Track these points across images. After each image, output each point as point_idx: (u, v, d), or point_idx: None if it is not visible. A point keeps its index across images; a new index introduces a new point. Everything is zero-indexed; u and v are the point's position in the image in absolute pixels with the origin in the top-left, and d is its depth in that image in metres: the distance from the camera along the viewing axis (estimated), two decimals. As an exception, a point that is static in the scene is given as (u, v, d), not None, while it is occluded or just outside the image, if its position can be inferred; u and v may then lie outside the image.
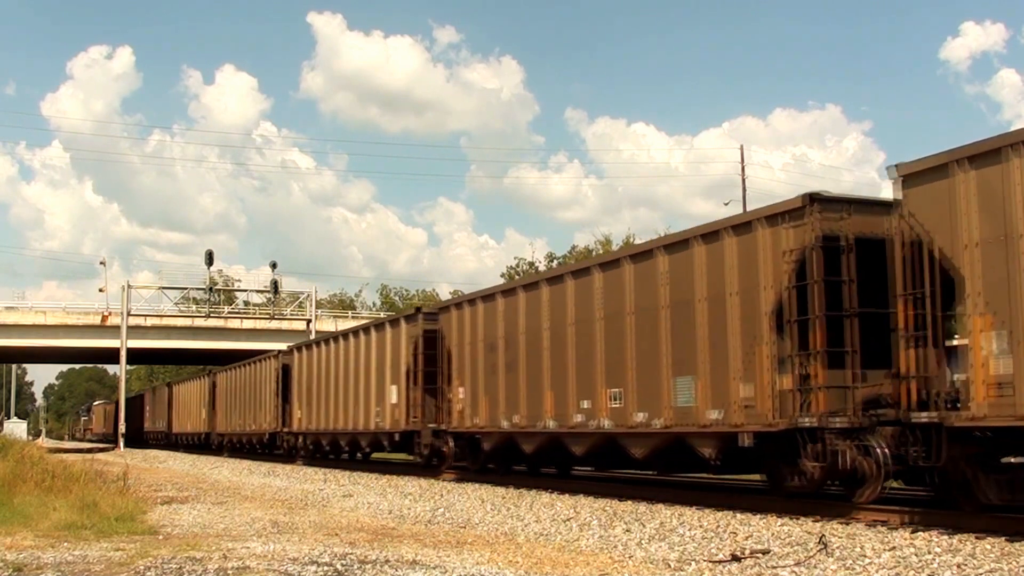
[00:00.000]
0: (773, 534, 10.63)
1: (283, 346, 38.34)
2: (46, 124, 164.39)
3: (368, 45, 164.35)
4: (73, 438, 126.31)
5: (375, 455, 29.84)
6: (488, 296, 20.06)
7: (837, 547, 9.52)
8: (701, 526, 11.56)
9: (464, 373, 20.53)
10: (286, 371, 33.92)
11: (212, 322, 57.40)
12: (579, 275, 16.76)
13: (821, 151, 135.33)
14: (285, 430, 33.62)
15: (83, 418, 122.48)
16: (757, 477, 15.39)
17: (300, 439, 32.46)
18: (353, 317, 64.34)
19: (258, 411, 36.84)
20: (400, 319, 24.50)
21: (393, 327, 24.57)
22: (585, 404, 16.29)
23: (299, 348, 33.27)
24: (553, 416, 17.15)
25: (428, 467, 22.70)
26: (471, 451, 21.03)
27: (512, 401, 18.50)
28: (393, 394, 24.00)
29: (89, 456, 36.38)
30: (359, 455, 29.80)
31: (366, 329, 26.67)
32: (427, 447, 22.25)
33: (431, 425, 22.15)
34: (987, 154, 10.28)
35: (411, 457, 24.87)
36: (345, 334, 28.61)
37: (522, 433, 18.26)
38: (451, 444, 21.43)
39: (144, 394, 68.02)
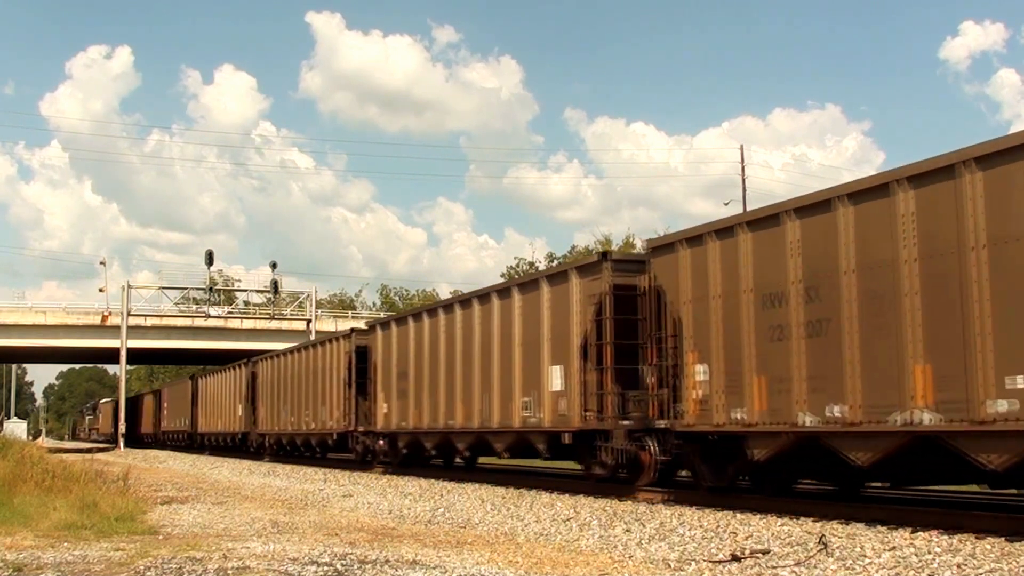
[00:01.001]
0: (773, 534, 10.63)
1: (282, 346, 38.33)
2: (45, 124, 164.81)
3: (367, 45, 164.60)
4: (76, 438, 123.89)
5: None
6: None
7: (837, 547, 9.52)
8: (701, 526, 11.56)
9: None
10: (361, 355, 27.09)
11: (212, 322, 57.43)
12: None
13: (821, 151, 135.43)
14: (360, 429, 26.66)
15: (88, 417, 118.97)
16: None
17: (381, 440, 25.04)
18: (353, 317, 64.35)
19: (320, 405, 29.84)
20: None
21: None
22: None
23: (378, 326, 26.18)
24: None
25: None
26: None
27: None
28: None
29: (89, 456, 36.39)
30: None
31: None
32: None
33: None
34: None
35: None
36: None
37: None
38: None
39: (162, 390, 62.62)
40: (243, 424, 38.44)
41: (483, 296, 20.19)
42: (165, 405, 58.60)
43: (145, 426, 66.91)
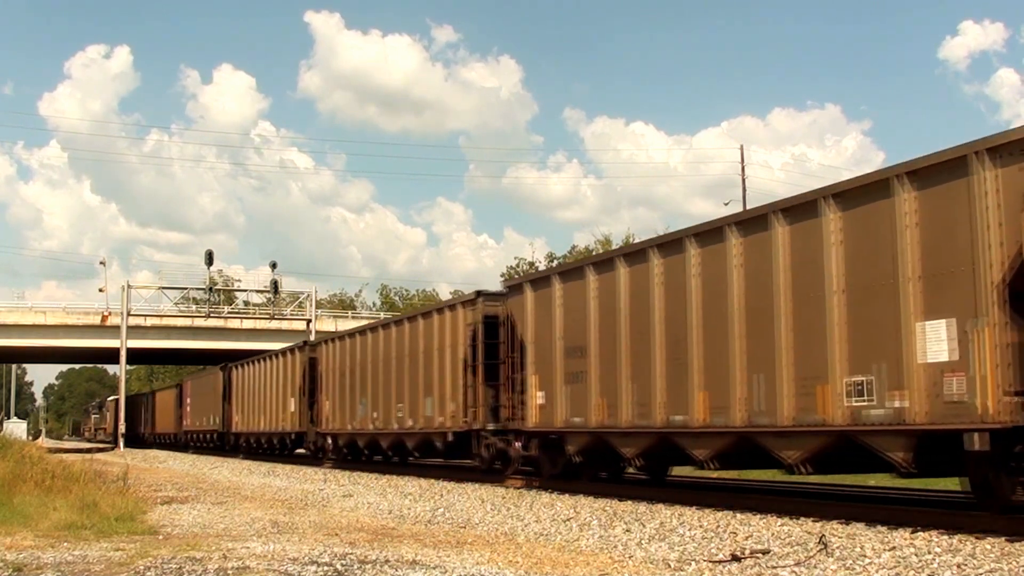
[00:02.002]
0: (773, 534, 10.63)
1: (280, 346, 38.20)
2: (44, 124, 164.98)
3: (366, 44, 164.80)
4: (82, 437, 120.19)
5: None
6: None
7: (837, 547, 9.52)
8: (701, 526, 11.56)
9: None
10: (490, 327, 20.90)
11: (212, 322, 57.44)
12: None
13: (820, 150, 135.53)
14: (490, 426, 20.15)
15: (94, 416, 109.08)
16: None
17: (524, 441, 18.91)
18: (353, 317, 64.37)
19: (424, 397, 22.88)
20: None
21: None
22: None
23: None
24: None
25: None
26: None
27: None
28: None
29: (89, 456, 36.39)
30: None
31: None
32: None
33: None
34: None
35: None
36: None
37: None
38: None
39: (184, 384, 54.96)
40: (297, 422, 31.87)
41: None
42: (188, 401, 51.62)
43: (163, 425, 61.23)
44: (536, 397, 17.67)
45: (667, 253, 14.54)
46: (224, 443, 43.37)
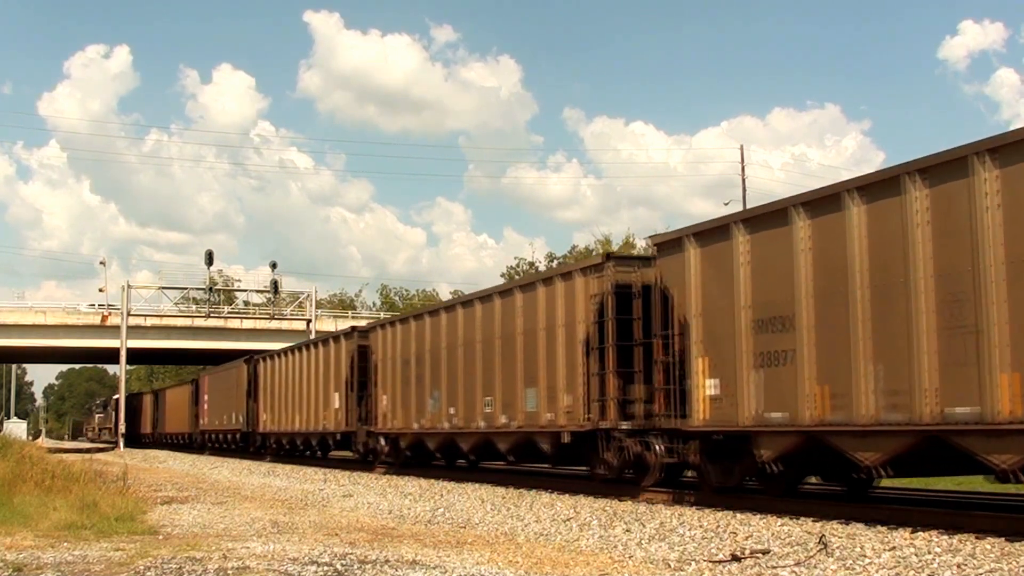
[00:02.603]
0: (773, 534, 10.63)
1: (280, 346, 38.19)
2: (43, 123, 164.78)
3: (365, 44, 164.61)
4: (83, 438, 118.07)
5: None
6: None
7: (837, 547, 9.52)
8: (701, 526, 11.56)
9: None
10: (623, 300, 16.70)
11: (212, 322, 57.43)
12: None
13: (820, 150, 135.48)
14: (624, 425, 15.91)
15: (98, 415, 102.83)
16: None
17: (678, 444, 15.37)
18: (353, 317, 64.36)
19: (515, 391, 18.90)
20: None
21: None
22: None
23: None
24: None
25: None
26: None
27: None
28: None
29: (88, 456, 36.39)
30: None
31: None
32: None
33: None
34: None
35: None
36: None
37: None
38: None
39: (201, 379, 49.43)
40: (343, 420, 27.70)
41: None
42: (205, 398, 46.73)
43: (174, 424, 57.14)
44: (705, 387, 13.72)
45: (938, 180, 10.54)
46: (249, 444, 38.70)
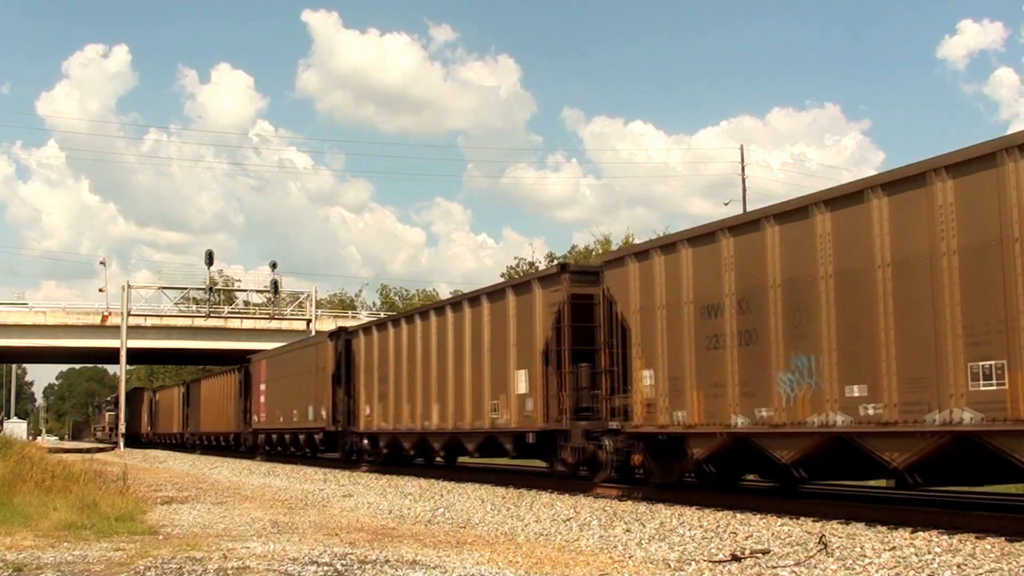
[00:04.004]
0: (773, 534, 10.63)
1: (280, 345, 38.17)
2: (42, 123, 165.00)
3: (364, 43, 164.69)
4: (91, 438, 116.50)
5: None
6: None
7: (837, 547, 9.52)
8: (701, 526, 11.56)
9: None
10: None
11: (212, 322, 57.43)
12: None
13: (820, 150, 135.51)
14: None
15: (108, 413, 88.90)
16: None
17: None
18: (352, 317, 64.35)
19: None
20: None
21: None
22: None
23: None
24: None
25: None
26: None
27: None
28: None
29: (88, 456, 36.40)
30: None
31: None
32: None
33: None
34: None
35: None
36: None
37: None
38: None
39: (252, 364, 38.84)
40: (538, 413, 17.89)
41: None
42: (262, 389, 36.74)
43: (212, 422, 46.56)
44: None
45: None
46: (341, 448, 28.44)
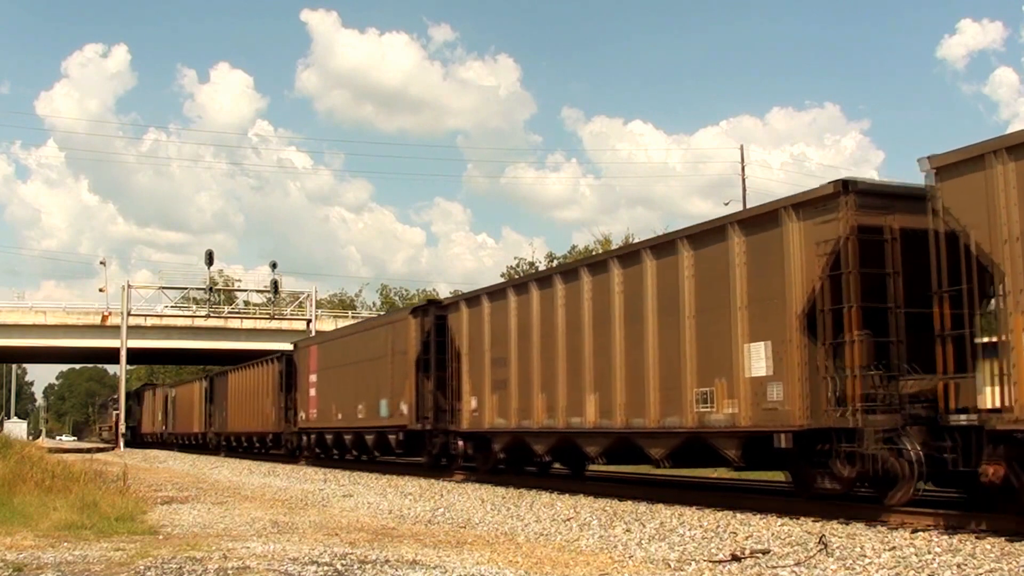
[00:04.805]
0: (773, 534, 10.63)
1: (288, 346, 37.77)
2: (41, 123, 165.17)
3: (363, 43, 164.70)
4: (91, 437, 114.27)
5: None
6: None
7: (837, 547, 9.52)
8: (701, 526, 11.56)
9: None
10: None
11: (212, 322, 57.42)
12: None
13: (820, 150, 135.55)
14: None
15: (116, 412, 79.19)
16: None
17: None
18: (353, 317, 64.35)
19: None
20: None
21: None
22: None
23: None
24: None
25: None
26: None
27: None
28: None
29: (88, 456, 36.39)
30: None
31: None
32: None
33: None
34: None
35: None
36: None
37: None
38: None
39: (300, 350, 32.86)
40: (808, 404, 12.32)
41: None
42: (311, 379, 31.03)
43: (244, 420, 39.82)
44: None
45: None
46: (428, 451, 22.71)
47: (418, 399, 22.87)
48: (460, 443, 21.22)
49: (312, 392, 30.82)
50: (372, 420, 25.52)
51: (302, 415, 31.82)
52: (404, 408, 23.41)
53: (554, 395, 17.31)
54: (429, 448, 22.63)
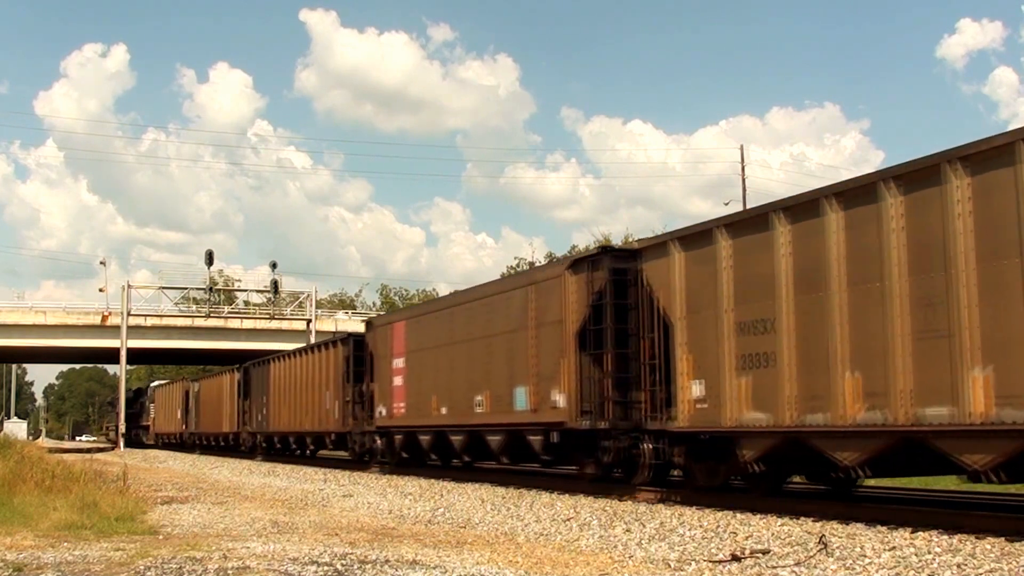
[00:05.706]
0: (773, 534, 10.63)
1: (287, 346, 37.91)
2: (40, 123, 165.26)
3: (362, 43, 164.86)
4: (93, 436, 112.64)
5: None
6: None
7: (837, 547, 9.52)
8: (701, 526, 11.56)
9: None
10: None
11: (212, 322, 57.45)
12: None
13: (819, 150, 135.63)
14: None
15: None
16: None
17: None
18: (353, 317, 64.36)
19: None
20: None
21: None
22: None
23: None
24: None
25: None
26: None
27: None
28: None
29: (89, 456, 36.39)
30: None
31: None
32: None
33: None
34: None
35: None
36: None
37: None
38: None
39: (379, 329, 25.73)
40: None
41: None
42: (396, 366, 24.35)
43: (282, 419, 34.17)
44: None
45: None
46: (597, 460, 16.31)
47: (581, 386, 16.46)
48: (661, 446, 14.98)
49: (397, 381, 23.94)
50: (500, 415, 18.90)
51: (381, 410, 24.90)
52: (558, 399, 16.95)
53: (874, 373, 11.06)
54: (600, 451, 15.97)
